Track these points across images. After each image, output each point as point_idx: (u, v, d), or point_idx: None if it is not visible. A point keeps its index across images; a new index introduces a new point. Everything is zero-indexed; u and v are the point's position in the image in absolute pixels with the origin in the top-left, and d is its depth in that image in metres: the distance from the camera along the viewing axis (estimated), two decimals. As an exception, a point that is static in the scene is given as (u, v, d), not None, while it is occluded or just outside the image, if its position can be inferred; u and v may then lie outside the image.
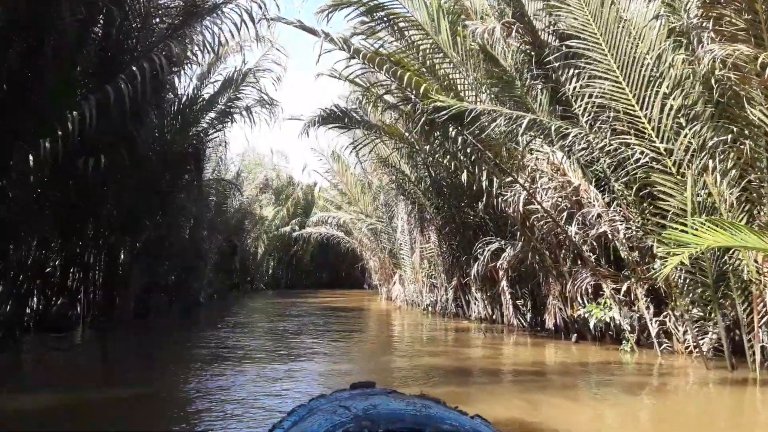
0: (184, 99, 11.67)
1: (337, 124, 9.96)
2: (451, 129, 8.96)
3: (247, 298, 24.20)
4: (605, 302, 8.96)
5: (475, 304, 13.76)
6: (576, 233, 9.19)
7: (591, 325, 9.21)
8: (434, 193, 13.87)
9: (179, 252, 16.56)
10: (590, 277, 9.08)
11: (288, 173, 38.96)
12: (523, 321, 12.25)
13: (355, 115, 9.71)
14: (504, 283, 12.37)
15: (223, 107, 12.44)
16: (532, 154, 9.47)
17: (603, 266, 9.20)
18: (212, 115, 12.46)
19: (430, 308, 16.63)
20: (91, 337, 10.32)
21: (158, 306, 13.92)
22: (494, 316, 13.22)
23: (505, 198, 9.85)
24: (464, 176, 9.92)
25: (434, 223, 14.82)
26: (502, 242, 11.57)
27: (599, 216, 8.76)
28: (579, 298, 9.46)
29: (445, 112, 7.79)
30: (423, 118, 7.99)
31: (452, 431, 1.44)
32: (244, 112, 12.94)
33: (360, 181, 23.78)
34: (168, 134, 11.33)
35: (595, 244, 9.28)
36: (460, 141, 9.11)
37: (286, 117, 12.68)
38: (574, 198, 9.24)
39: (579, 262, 9.68)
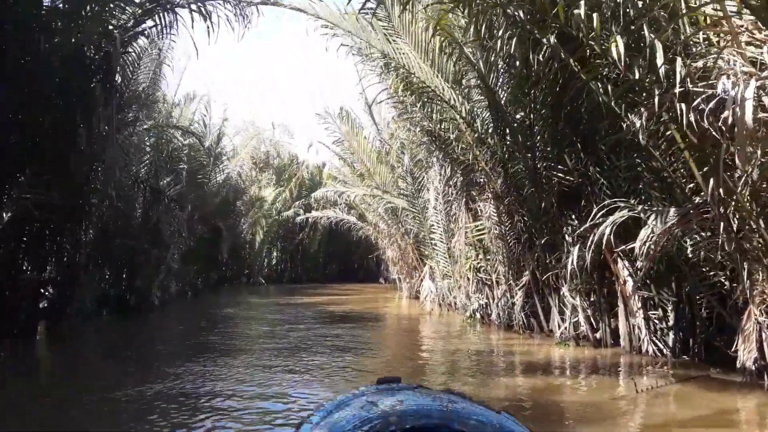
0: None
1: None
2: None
3: (231, 296, 19.18)
4: None
5: (565, 314, 8.60)
6: None
7: None
8: (498, 134, 8.69)
9: (116, 232, 11.62)
10: None
11: (292, 151, 34.03)
12: (662, 347, 7.10)
13: None
14: (630, 282, 7.22)
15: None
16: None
17: None
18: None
19: (478, 315, 11.49)
20: None
21: (59, 312, 8.92)
22: (599, 335, 8.07)
23: (694, 104, 4.65)
24: (615, 49, 4.69)
25: (491, 188, 9.65)
26: (638, 209, 6.39)
27: None
28: None
29: None
30: None
31: (479, 426, 1.49)
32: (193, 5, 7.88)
33: (375, 148, 18.64)
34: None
35: None
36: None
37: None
38: None
39: None
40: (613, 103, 6.40)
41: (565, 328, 8.57)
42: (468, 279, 11.80)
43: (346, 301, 17.16)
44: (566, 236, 8.49)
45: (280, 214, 28.70)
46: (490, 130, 8.84)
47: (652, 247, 6.21)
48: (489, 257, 11.14)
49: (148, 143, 14.83)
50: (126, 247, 11.91)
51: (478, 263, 11.57)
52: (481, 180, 10.08)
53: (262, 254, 29.14)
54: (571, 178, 8.26)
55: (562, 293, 8.44)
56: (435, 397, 1.68)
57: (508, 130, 8.41)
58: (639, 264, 6.58)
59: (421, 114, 10.60)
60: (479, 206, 10.53)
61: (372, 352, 8.22)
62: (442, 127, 10.30)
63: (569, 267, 7.37)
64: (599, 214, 6.52)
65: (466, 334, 10.07)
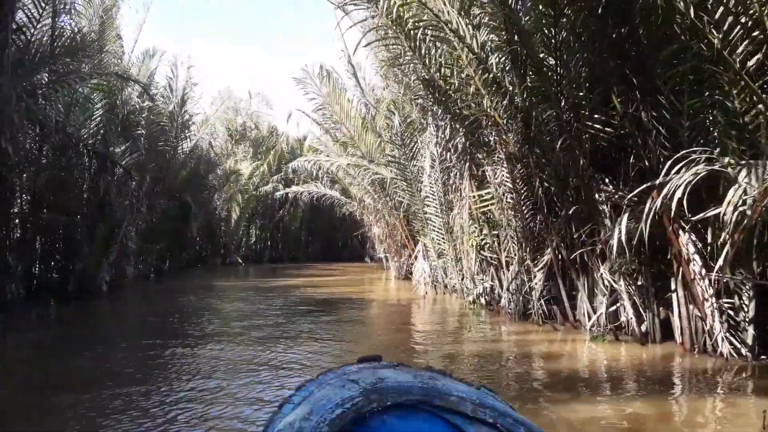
0: None
1: None
2: None
3: (201, 278, 17.27)
4: None
5: (595, 300, 6.91)
6: None
7: None
8: (518, 74, 6.84)
9: (54, 206, 9.75)
10: None
11: (271, 123, 31.95)
12: (739, 345, 5.44)
13: None
14: (697, 260, 5.52)
15: None
16: None
17: None
18: None
19: (482, 300, 9.82)
20: None
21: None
22: (644, 327, 6.40)
23: None
24: None
25: (503, 147, 7.87)
26: (724, 161, 4.67)
27: None
28: None
29: None
30: None
31: (459, 402, 1.46)
32: None
33: (359, 113, 16.73)
34: None
35: None
36: None
37: None
38: None
39: None
40: (692, 14, 4.65)
41: (600, 321, 6.90)
42: (473, 259, 10.06)
43: (328, 283, 15.41)
44: (599, 205, 6.80)
45: (258, 189, 26.71)
46: (506, 70, 7.00)
47: (748, 213, 4.51)
48: (495, 232, 9.44)
49: (98, 105, 12.79)
50: (63, 223, 9.99)
51: (482, 240, 9.86)
52: (491, 138, 8.29)
53: (238, 232, 27.13)
54: (610, 130, 6.52)
55: (599, 275, 6.73)
56: (416, 374, 1.63)
57: (531, 66, 6.58)
58: (724, 237, 4.87)
59: (416, 60, 8.73)
60: (487, 171, 8.74)
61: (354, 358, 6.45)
62: (443, 73, 8.48)
63: (614, 242, 5.69)
64: (666, 171, 4.81)
65: (472, 325, 8.36)
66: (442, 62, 8.31)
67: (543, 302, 7.75)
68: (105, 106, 12.81)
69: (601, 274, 6.68)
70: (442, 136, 10.46)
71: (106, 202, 11.46)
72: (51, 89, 9.59)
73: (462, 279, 11.32)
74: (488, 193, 8.86)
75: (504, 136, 7.67)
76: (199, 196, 20.60)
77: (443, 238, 11.72)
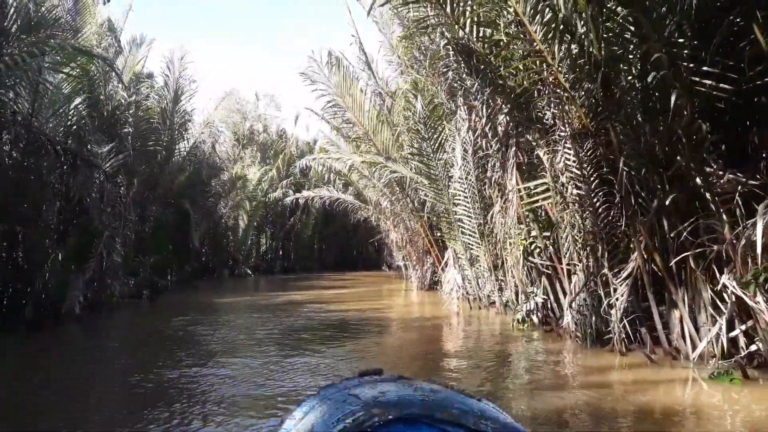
0: None
1: None
2: None
3: (201, 294, 15.42)
4: None
5: (701, 323, 4.99)
6: None
7: None
8: (596, 14, 4.96)
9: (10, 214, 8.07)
10: None
11: (279, 126, 30.40)
12: None
13: None
14: None
15: None
16: None
17: None
18: None
19: (535, 318, 7.93)
20: None
21: None
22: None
23: None
24: None
25: (567, 122, 6.01)
26: None
27: None
28: None
29: None
30: None
31: (461, 414, 1.44)
32: None
33: (374, 105, 14.96)
34: None
35: None
36: None
37: None
38: None
39: None
40: None
41: (709, 346, 5.01)
42: (519, 267, 8.17)
43: (341, 298, 13.57)
44: (711, 193, 4.93)
45: (267, 195, 25.01)
46: (577, 9, 5.12)
47: None
48: (547, 234, 7.61)
49: (76, 98, 11.09)
50: (24, 234, 8.29)
51: (531, 242, 7.99)
52: (547, 113, 6.45)
53: (247, 242, 25.41)
54: (727, 86, 4.65)
55: (717, 287, 4.84)
56: (416, 387, 1.62)
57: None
58: None
59: (444, 20, 6.93)
60: (541, 156, 6.87)
61: None
62: (481, 34, 6.68)
63: (758, 240, 3.82)
64: None
65: (531, 356, 6.46)
66: (480, 18, 6.50)
67: (627, 326, 5.86)
68: (85, 101, 11.16)
69: (721, 285, 4.78)
70: (477, 118, 8.63)
71: (82, 209, 9.80)
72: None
73: (501, 290, 9.49)
74: (543, 184, 7.00)
75: (569, 106, 5.81)
76: (202, 203, 18.91)
77: (477, 243, 9.89)
